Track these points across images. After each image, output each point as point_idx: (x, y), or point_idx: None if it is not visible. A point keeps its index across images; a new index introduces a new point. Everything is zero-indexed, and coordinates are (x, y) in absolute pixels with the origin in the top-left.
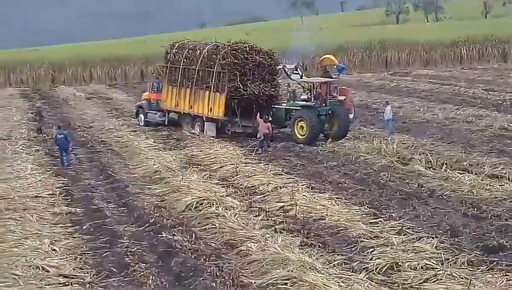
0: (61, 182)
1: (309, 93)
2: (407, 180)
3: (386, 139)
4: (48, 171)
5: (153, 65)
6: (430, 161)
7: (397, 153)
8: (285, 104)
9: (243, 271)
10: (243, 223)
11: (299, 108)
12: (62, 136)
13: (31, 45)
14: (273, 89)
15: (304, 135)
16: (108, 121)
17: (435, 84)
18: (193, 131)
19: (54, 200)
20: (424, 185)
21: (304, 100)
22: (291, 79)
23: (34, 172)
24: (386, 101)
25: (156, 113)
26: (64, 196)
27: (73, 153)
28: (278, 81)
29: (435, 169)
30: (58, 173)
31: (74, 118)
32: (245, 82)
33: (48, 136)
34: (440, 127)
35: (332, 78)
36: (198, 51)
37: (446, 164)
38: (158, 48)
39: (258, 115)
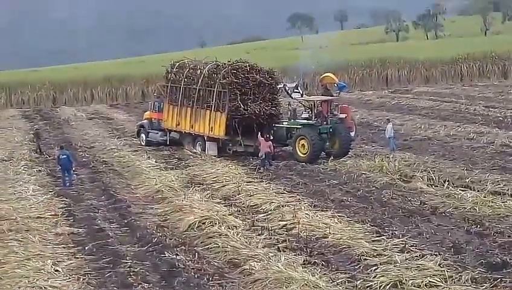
0: (63, 202)
1: (310, 112)
2: (409, 198)
3: (387, 157)
4: (50, 191)
5: (153, 85)
6: (432, 178)
7: (399, 170)
8: (286, 123)
9: None
10: (246, 242)
11: (300, 126)
12: (65, 156)
13: (31, 65)
14: (274, 108)
15: (305, 154)
16: (110, 141)
17: (435, 101)
18: (194, 150)
19: (56, 220)
20: (426, 203)
21: (305, 119)
22: (292, 98)
23: (36, 193)
24: (387, 119)
25: (158, 133)
26: (66, 217)
27: (75, 174)
28: (278, 100)
29: (437, 186)
30: (60, 194)
31: (76, 139)
32: (246, 101)
33: (49, 156)
34: (441, 144)
35: (333, 96)
36: (199, 71)
37: (448, 181)
38: (159, 67)
39: (260, 134)
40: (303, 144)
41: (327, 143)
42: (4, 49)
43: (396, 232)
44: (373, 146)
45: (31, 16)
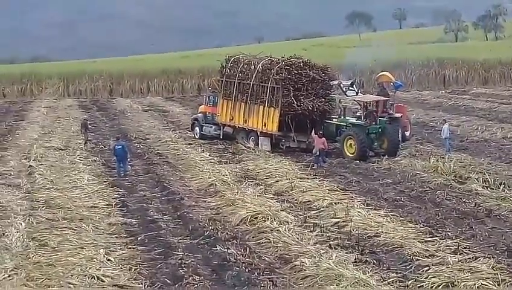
0: (117, 193)
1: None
2: (463, 199)
3: (442, 158)
4: (104, 181)
5: (209, 78)
6: (488, 180)
7: (454, 171)
8: (335, 120)
9: (297, 286)
10: (297, 238)
11: (349, 125)
12: (120, 147)
13: (90, 56)
14: (327, 104)
15: (353, 153)
16: (165, 134)
17: (493, 103)
18: (248, 145)
19: (109, 210)
20: (481, 205)
21: (357, 117)
22: (346, 95)
23: (90, 182)
24: (444, 119)
25: (211, 127)
26: (120, 207)
27: (130, 165)
28: (331, 96)
29: (493, 188)
30: (114, 184)
31: (131, 130)
32: (299, 97)
33: (93, 148)
34: (498, 146)
35: (389, 95)
36: (253, 66)
37: (504, 183)
38: (215, 61)
39: (313, 130)
40: (351, 143)
41: (375, 143)
42: (64, 41)
43: (449, 233)
44: (428, 146)
45: (91, 9)
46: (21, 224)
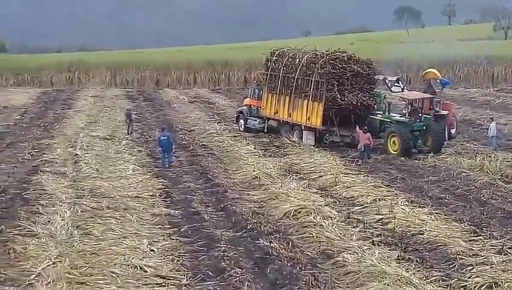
0: (161, 183)
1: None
2: (509, 199)
3: (489, 156)
4: (149, 172)
5: (255, 71)
6: None
7: (500, 170)
8: (380, 116)
9: (339, 282)
10: (340, 233)
11: (393, 122)
12: (165, 138)
13: (137, 46)
14: (371, 99)
15: (396, 150)
16: (210, 125)
17: None
18: (292, 139)
19: (153, 201)
20: None
21: (402, 114)
22: (391, 91)
23: (135, 172)
24: (491, 118)
25: (256, 120)
26: (164, 198)
27: (175, 156)
28: (376, 91)
29: None
30: (158, 175)
31: (177, 121)
32: (343, 92)
33: (136, 138)
34: None
35: (435, 92)
36: (298, 60)
37: None
38: (261, 54)
39: (358, 126)
40: (394, 140)
41: (419, 141)
42: (111, 30)
43: (494, 233)
44: (475, 144)
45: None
46: (66, 212)
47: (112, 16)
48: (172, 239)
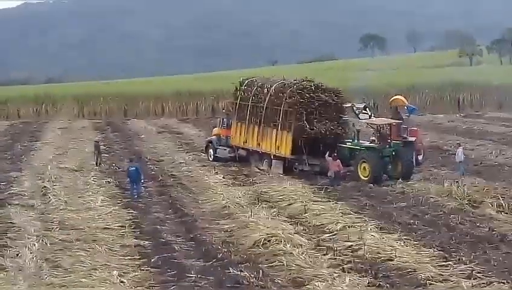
0: (130, 214)
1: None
2: (478, 224)
3: (457, 182)
4: (118, 203)
5: (223, 101)
6: (502, 205)
7: (468, 195)
8: (349, 143)
9: None
10: (310, 261)
11: (362, 149)
12: (134, 168)
13: (105, 77)
14: (340, 128)
15: (366, 176)
16: (179, 155)
17: (508, 127)
18: (261, 168)
19: (123, 232)
20: (495, 229)
21: (371, 141)
22: (359, 118)
23: (104, 204)
24: (458, 143)
25: (226, 149)
26: (133, 228)
27: (144, 186)
28: (344, 119)
29: (507, 213)
30: (128, 205)
31: (145, 152)
32: (311, 121)
33: (111, 167)
34: None
35: (402, 119)
36: (266, 89)
37: None
38: (229, 83)
39: (327, 153)
40: (364, 167)
41: (389, 166)
42: (78, 63)
43: (463, 258)
44: (442, 170)
45: (104, 31)
46: (34, 245)
47: (82, 47)
48: (143, 270)
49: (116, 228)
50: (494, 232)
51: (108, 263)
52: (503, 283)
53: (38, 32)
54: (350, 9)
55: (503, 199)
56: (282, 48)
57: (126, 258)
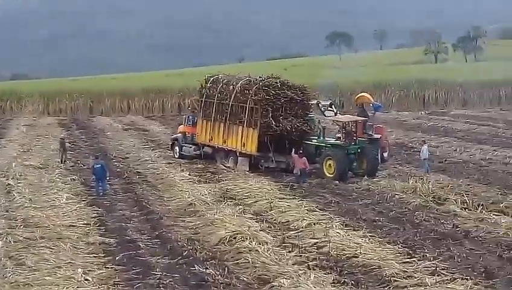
0: (95, 212)
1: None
2: (442, 221)
3: (421, 179)
4: (83, 200)
5: (189, 98)
6: (466, 202)
7: (433, 192)
8: (315, 141)
9: None
10: (276, 258)
11: (328, 146)
12: (99, 166)
13: (71, 75)
14: (306, 125)
15: (332, 173)
16: (144, 153)
17: (472, 124)
18: (227, 165)
19: (88, 230)
20: (459, 226)
21: (336, 138)
22: (324, 116)
23: (69, 201)
24: (423, 140)
25: (191, 147)
26: (98, 226)
27: (109, 184)
28: (310, 116)
29: (471, 210)
30: (93, 203)
31: (111, 149)
32: (277, 118)
33: (72, 166)
34: (477, 167)
35: (368, 116)
36: (232, 86)
37: (482, 205)
38: (195, 80)
39: (293, 151)
40: (330, 164)
41: (355, 163)
42: (47, 59)
43: (427, 254)
44: (407, 167)
45: (74, 28)
46: None
47: (50, 45)
48: (108, 268)
49: (81, 225)
50: (458, 229)
51: (72, 261)
52: (467, 279)
53: (7, 29)
54: (319, 7)
55: (467, 196)
56: (250, 46)
57: (91, 256)
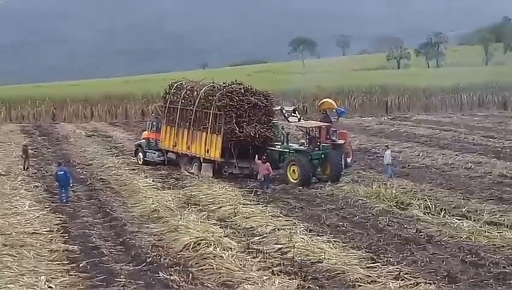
0: (59, 219)
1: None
2: (405, 225)
3: (385, 184)
4: (46, 207)
5: (153, 104)
6: (429, 207)
7: (396, 197)
8: (279, 147)
9: None
10: (240, 264)
11: (292, 152)
12: (62, 172)
13: (34, 81)
14: (269, 131)
15: (296, 179)
16: (108, 159)
17: (434, 129)
18: (191, 171)
19: (51, 237)
20: (422, 231)
21: (300, 143)
22: (288, 121)
23: (32, 208)
24: (386, 146)
25: (155, 153)
26: (61, 233)
27: (72, 190)
28: (274, 122)
29: (434, 215)
30: (56, 210)
31: (74, 155)
32: (241, 124)
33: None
34: (439, 172)
35: (331, 122)
36: (196, 92)
37: (445, 209)
38: (159, 86)
39: (257, 157)
40: (294, 169)
41: (319, 169)
42: (8, 66)
43: (391, 259)
44: (371, 172)
45: (37, 34)
46: None
47: (11, 51)
48: (71, 275)
49: (44, 232)
50: (421, 234)
51: (36, 268)
52: (430, 283)
53: None
54: (283, 13)
55: (430, 201)
56: (213, 52)
57: (54, 263)
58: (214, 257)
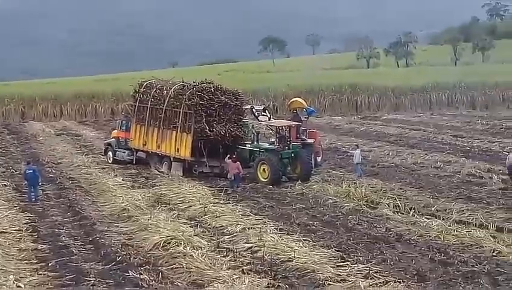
0: (28, 218)
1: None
2: (375, 224)
3: (354, 183)
4: (15, 206)
5: (123, 103)
6: (398, 206)
7: (365, 196)
8: (249, 146)
9: None
10: (210, 263)
11: (262, 151)
12: (31, 171)
13: (2, 80)
14: (239, 130)
15: (266, 178)
16: (77, 158)
17: (404, 129)
18: (161, 170)
19: (20, 236)
20: (391, 229)
21: (270, 142)
22: (258, 120)
23: (0, 207)
24: (356, 145)
25: (125, 152)
26: (30, 232)
27: (41, 189)
28: (244, 121)
29: (403, 213)
30: (25, 209)
31: (43, 154)
32: (211, 123)
33: (15, 171)
34: (408, 172)
35: (301, 121)
36: (165, 91)
37: (414, 208)
38: (128, 85)
39: (227, 156)
40: (264, 168)
41: (289, 168)
42: None
43: (360, 258)
44: (340, 171)
45: (8, 34)
46: None
47: None
48: (40, 274)
49: (12, 231)
50: (390, 232)
51: (4, 268)
52: (399, 282)
53: None
54: (254, 13)
55: (399, 200)
56: (183, 52)
57: (23, 262)
58: (184, 255)
